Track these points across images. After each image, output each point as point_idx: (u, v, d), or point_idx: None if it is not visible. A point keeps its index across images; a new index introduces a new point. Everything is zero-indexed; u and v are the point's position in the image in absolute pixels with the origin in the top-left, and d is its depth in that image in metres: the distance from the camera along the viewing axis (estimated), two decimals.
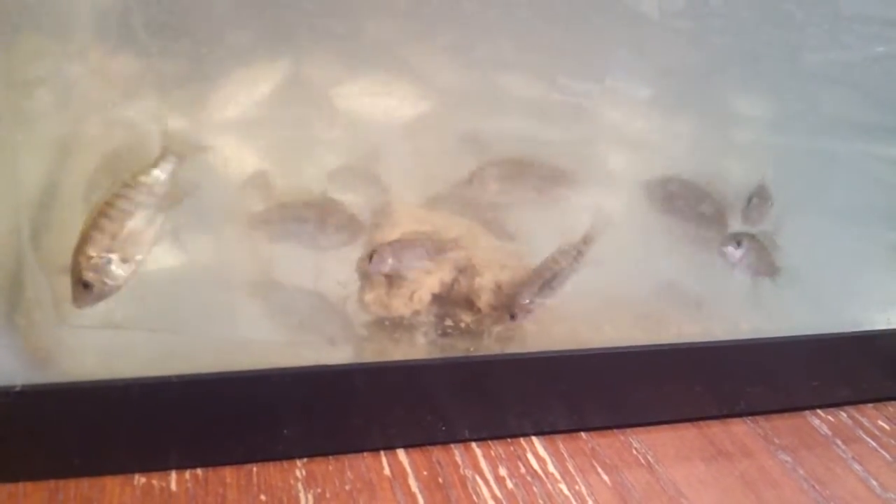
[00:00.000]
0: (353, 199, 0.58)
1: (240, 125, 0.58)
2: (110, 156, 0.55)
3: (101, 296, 0.47)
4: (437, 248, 0.57)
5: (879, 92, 0.73)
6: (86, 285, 0.46)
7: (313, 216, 0.57)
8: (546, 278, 0.57)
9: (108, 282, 0.47)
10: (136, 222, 0.48)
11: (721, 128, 0.69)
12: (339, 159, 0.59)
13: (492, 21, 0.57)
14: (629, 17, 0.60)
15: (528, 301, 0.56)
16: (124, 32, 0.51)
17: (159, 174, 0.49)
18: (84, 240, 0.47)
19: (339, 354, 0.56)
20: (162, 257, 0.52)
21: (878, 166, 0.77)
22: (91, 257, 0.47)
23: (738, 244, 0.61)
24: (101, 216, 0.47)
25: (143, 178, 0.49)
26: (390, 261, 0.55)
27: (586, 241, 0.58)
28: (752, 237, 0.62)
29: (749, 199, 0.63)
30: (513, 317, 0.57)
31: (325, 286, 0.59)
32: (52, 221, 0.53)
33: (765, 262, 0.64)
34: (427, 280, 0.59)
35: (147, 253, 0.49)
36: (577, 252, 0.58)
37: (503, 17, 0.57)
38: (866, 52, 0.71)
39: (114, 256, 0.47)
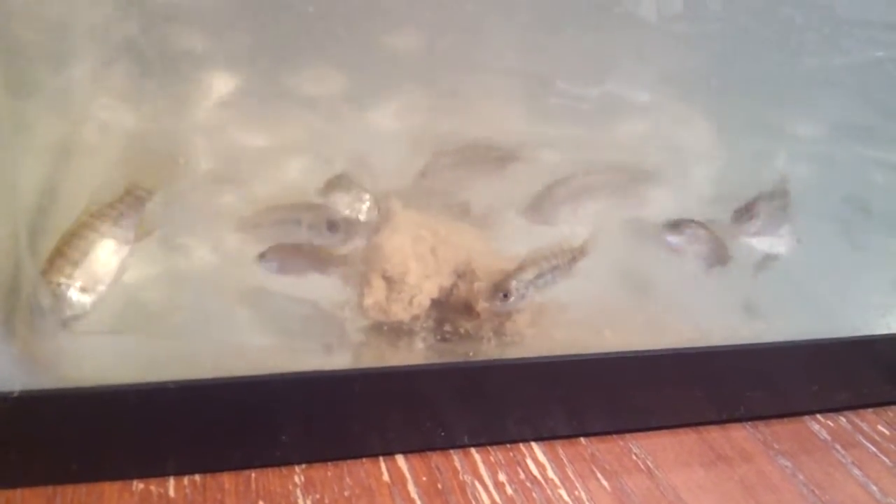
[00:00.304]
0: (346, 203, 0.59)
1: (216, 131, 0.58)
2: (109, 162, 0.55)
3: (59, 322, 0.47)
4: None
5: (878, 96, 0.74)
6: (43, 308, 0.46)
7: (306, 219, 0.58)
8: (542, 269, 0.57)
9: (66, 310, 0.47)
10: (100, 252, 0.48)
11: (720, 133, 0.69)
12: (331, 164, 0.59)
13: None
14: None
15: (522, 285, 0.56)
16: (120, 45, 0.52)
17: (126, 207, 0.50)
18: (48, 263, 0.47)
19: (338, 360, 0.56)
20: (158, 262, 0.53)
21: (877, 170, 0.77)
22: (51, 283, 0.47)
23: (679, 232, 0.60)
24: (66, 243, 0.48)
25: (108, 210, 0.49)
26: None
27: (583, 249, 0.58)
28: (700, 225, 0.61)
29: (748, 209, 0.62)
30: (506, 295, 0.56)
31: (322, 291, 0.59)
32: (50, 226, 0.53)
33: (716, 250, 0.63)
34: (426, 285, 0.59)
35: (111, 285, 0.48)
36: (572, 256, 0.57)
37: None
38: (865, 56, 0.71)
39: (74, 284, 0.47)
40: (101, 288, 0.48)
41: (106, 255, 0.48)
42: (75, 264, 0.47)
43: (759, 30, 0.65)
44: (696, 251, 0.61)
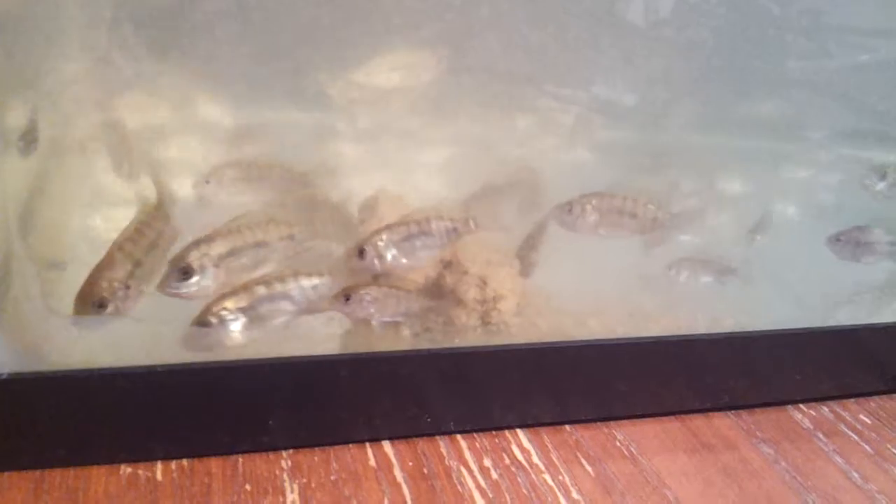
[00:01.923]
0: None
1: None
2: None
3: (105, 318, 0.47)
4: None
5: (862, 98, 0.75)
6: (101, 304, 0.46)
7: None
8: (412, 232, 0.55)
9: (118, 308, 0.47)
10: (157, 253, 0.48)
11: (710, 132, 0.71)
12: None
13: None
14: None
15: (385, 244, 0.53)
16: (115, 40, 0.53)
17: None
18: (109, 260, 0.47)
19: (325, 346, 0.56)
20: None
21: (860, 169, 0.79)
22: (113, 280, 0.47)
23: (570, 210, 0.59)
24: (129, 240, 0.48)
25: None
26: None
27: (466, 223, 0.56)
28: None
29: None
30: (361, 253, 0.53)
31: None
32: (40, 214, 0.54)
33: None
34: (413, 275, 0.60)
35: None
36: (453, 228, 0.56)
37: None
38: (850, 60, 0.73)
39: (131, 284, 0.47)
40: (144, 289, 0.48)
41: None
42: (138, 263, 0.48)
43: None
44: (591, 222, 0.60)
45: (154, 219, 0.50)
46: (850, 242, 0.67)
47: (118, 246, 0.48)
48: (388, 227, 0.54)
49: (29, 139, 0.51)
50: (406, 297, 0.56)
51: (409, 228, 0.54)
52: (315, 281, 0.52)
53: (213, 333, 0.48)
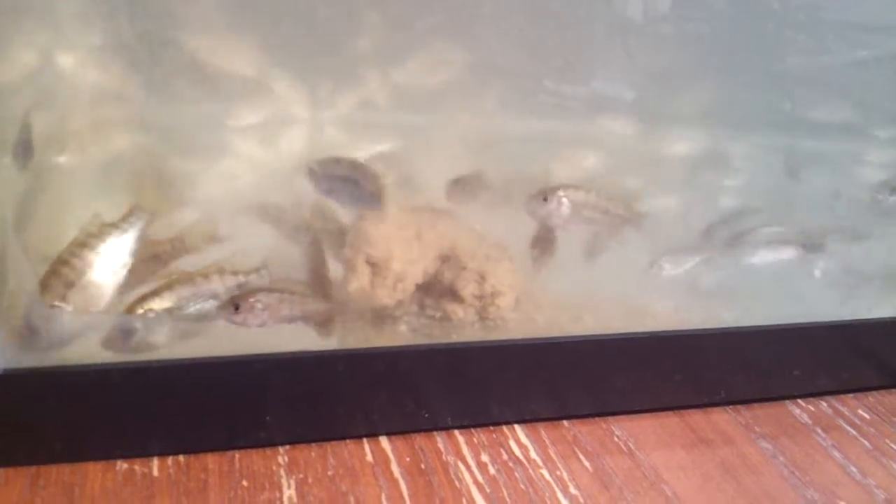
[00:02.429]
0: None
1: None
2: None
3: (46, 340, 0.47)
4: None
5: (861, 95, 0.75)
6: (30, 329, 0.46)
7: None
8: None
9: (53, 329, 0.46)
10: (96, 274, 0.47)
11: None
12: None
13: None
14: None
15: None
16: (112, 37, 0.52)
17: (126, 229, 0.49)
18: (42, 284, 0.46)
19: (323, 341, 0.56)
20: None
21: (858, 166, 0.79)
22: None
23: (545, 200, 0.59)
24: (62, 263, 0.47)
25: (108, 231, 0.48)
26: None
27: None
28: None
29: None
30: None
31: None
32: (36, 209, 0.53)
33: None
34: (411, 269, 0.59)
35: (103, 306, 0.47)
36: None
37: None
38: (849, 56, 0.73)
39: (67, 306, 0.46)
40: (94, 310, 0.47)
41: (103, 278, 0.47)
42: (70, 285, 0.46)
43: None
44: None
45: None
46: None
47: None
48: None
49: (24, 149, 0.50)
50: (301, 301, 0.53)
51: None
52: (241, 279, 0.51)
53: (136, 333, 0.48)
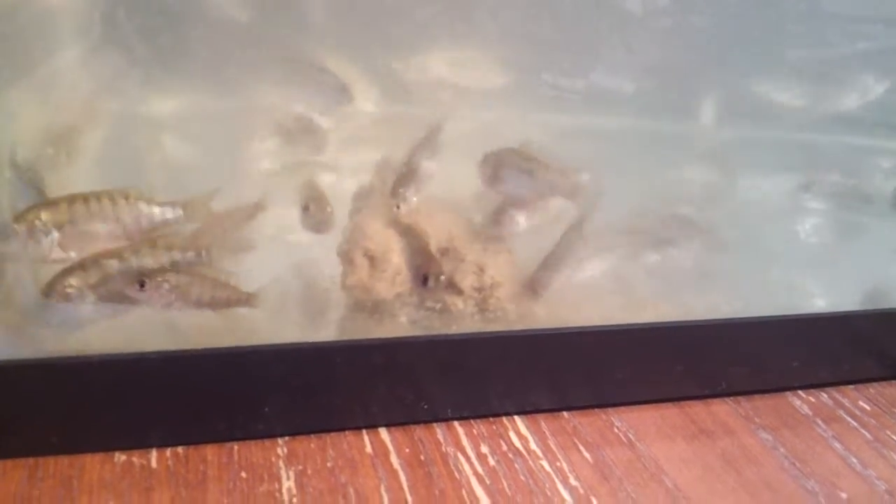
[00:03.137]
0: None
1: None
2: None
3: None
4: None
5: (862, 86, 0.75)
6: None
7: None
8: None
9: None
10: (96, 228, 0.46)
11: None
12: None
13: None
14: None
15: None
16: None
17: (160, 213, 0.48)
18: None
19: (322, 333, 0.56)
20: None
21: (860, 156, 0.78)
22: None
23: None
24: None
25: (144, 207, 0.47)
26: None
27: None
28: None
29: None
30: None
31: (307, 269, 0.59)
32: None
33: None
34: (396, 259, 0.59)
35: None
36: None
37: None
38: (849, 48, 0.72)
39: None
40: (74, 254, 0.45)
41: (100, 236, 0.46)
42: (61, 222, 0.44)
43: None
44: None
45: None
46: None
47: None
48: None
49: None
50: (212, 285, 0.50)
51: None
52: (176, 255, 0.48)
53: (60, 308, 0.46)
